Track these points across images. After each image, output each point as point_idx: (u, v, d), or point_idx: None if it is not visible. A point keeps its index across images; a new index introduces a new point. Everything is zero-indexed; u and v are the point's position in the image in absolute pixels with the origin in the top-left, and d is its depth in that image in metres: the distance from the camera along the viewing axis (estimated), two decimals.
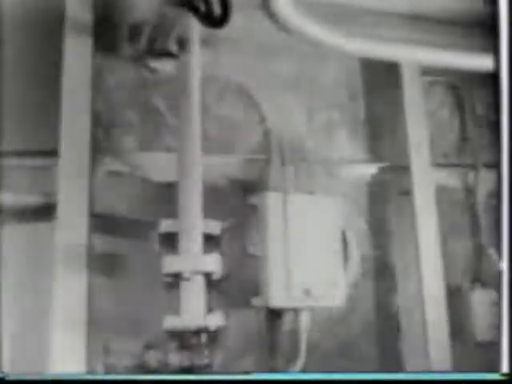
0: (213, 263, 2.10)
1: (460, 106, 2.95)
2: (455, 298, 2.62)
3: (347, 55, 2.59)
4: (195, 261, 2.07)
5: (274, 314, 2.41)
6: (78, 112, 2.24)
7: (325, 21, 2.06)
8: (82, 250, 2.14)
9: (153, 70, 2.51)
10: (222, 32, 1.92)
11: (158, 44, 2.39)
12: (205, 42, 2.31)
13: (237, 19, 1.84)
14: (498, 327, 1.60)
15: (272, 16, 2.01)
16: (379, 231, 2.69)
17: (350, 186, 2.68)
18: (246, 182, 2.50)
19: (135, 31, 2.42)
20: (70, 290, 2.10)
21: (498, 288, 1.61)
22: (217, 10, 1.81)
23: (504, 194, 1.61)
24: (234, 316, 2.28)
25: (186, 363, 2.02)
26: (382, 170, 2.73)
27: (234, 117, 2.60)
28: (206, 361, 2.02)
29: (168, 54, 2.41)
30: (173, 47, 2.37)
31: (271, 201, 2.35)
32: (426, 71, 2.79)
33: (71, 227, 2.15)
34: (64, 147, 2.21)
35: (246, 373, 1.98)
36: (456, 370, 2.41)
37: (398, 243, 2.66)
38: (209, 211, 2.14)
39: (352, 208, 2.65)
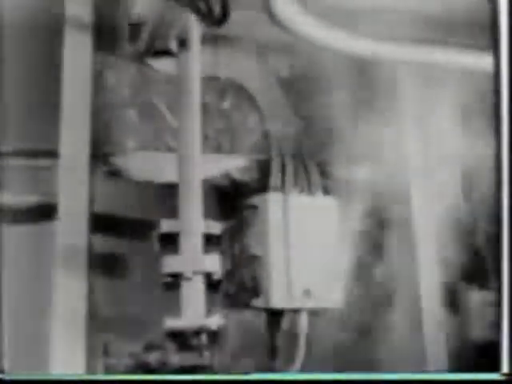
0: (213, 263, 2.10)
1: None
2: (454, 298, 2.63)
3: (348, 55, 2.59)
4: (195, 261, 2.07)
5: (274, 315, 2.41)
6: (78, 112, 2.24)
7: (326, 21, 2.06)
8: (82, 250, 2.14)
9: (153, 69, 2.50)
10: (222, 31, 1.92)
11: (158, 43, 2.39)
12: (205, 41, 2.31)
13: (237, 18, 1.84)
14: (498, 327, 1.60)
15: (272, 16, 2.01)
16: (379, 231, 2.69)
17: (349, 186, 2.67)
18: (246, 182, 2.50)
19: (135, 30, 2.41)
20: (69, 290, 2.10)
21: (496, 288, 1.61)
22: (216, 8, 1.81)
23: (504, 193, 1.61)
24: (234, 316, 2.28)
25: (186, 363, 2.01)
26: None
27: (233, 117, 2.60)
28: (206, 361, 2.02)
29: (168, 53, 2.40)
30: (173, 46, 2.36)
31: (271, 201, 2.36)
32: (425, 71, 2.79)
33: (71, 227, 2.15)
34: (64, 147, 2.21)
35: (246, 373, 1.98)
36: (455, 370, 2.41)
37: (397, 243, 2.66)
38: (209, 211, 2.14)
39: (352, 208, 2.65)
